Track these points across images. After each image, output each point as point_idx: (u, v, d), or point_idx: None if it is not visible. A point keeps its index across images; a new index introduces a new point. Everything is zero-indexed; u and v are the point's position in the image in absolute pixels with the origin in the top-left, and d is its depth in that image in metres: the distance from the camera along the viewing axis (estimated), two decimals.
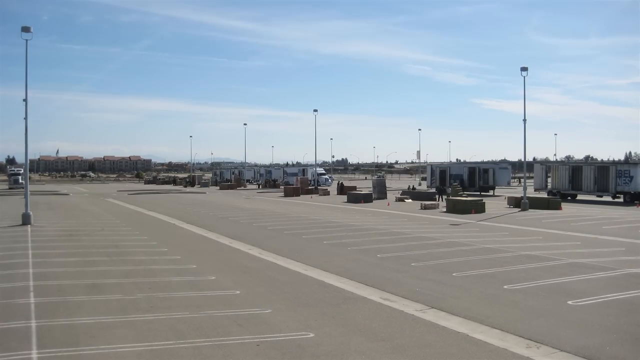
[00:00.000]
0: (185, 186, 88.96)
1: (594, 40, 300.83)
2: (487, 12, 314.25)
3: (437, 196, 44.13)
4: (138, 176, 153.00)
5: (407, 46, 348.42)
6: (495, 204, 39.55)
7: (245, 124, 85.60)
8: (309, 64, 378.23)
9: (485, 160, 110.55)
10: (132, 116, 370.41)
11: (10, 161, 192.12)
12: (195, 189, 79.57)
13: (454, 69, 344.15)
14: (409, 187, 60.54)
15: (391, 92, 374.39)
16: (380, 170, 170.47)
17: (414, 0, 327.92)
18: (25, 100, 28.07)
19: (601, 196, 44.22)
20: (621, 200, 42.15)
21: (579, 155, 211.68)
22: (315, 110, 65.92)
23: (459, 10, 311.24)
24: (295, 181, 69.09)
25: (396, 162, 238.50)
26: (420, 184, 74.28)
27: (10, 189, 72.57)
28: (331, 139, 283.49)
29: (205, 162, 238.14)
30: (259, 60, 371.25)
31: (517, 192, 46.03)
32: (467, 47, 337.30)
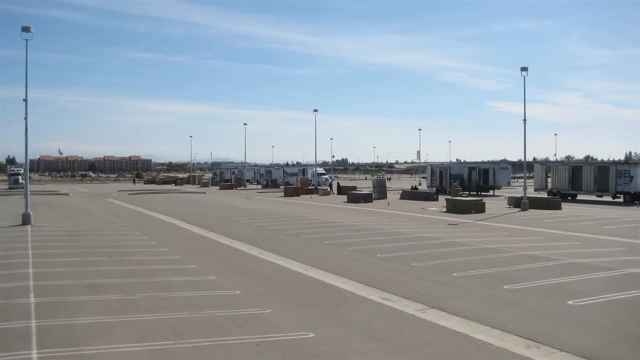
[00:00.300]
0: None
1: (627, 51, 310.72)
2: (546, 27, 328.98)
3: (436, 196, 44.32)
4: (138, 176, 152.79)
5: (454, 57, 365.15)
6: (495, 204, 39.55)
7: (245, 124, 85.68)
8: (355, 72, 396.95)
9: (486, 160, 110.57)
10: (133, 117, 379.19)
11: (11, 161, 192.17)
12: (195, 188, 79.59)
13: (488, 76, 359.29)
14: (412, 187, 60.46)
15: (408, 95, 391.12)
16: (380, 170, 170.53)
17: (479, 17, 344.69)
18: (25, 100, 28.11)
19: (601, 196, 44.22)
20: (621, 200, 42.16)
21: (579, 155, 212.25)
22: (315, 110, 66.15)
23: (520, 26, 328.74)
24: (295, 181, 69.09)
25: (396, 162, 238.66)
26: (420, 184, 74.30)
27: (10, 188, 72.59)
28: (331, 139, 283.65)
29: (205, 162, 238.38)
30: (311, 69, 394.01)
31: (517, 192, 46.03)
32: (508, 57, 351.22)
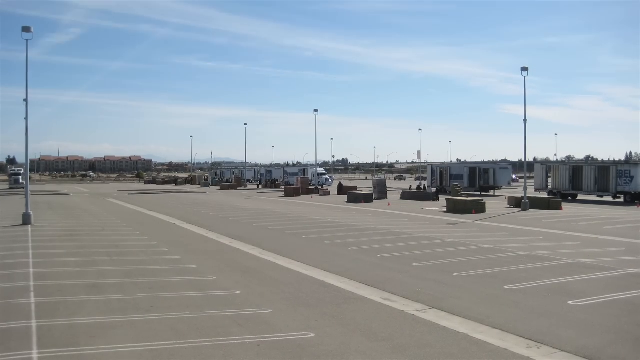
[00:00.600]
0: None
1: None
2: (596, 41, 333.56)
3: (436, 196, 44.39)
4: (138, 176, 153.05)
5: (494, 66, 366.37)
6: (496, 204, 39.54)
7: (245, 124, 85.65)
8: (400, 79, 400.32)
9: (486, 160, 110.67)
10: (134, 118, 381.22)
11: (11, 161, 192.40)
12: (195, 188, 79.61)
13: (517, 82, 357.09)
14: (417, 187, 60.30)
15: (426, 99, 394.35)
16: (380, 171, 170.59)
17: (530, 32, 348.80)
18: (25, 100, 28.13)
19: (602, 196, 44.20)
20: (622, 200, 42.15)
21: (580, 155, 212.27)
22: (316, 110, 65.98)
23: (571, 39, 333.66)
24: (295, 181, 69.09)
25: (397, 162, 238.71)
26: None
27: (10, 188, 72.63)
28: (331, 139, 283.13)
29: (206, 162, 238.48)
30: (356, 76, 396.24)
31: (518, 192, 46.01)
32: (546, 67, 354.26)
